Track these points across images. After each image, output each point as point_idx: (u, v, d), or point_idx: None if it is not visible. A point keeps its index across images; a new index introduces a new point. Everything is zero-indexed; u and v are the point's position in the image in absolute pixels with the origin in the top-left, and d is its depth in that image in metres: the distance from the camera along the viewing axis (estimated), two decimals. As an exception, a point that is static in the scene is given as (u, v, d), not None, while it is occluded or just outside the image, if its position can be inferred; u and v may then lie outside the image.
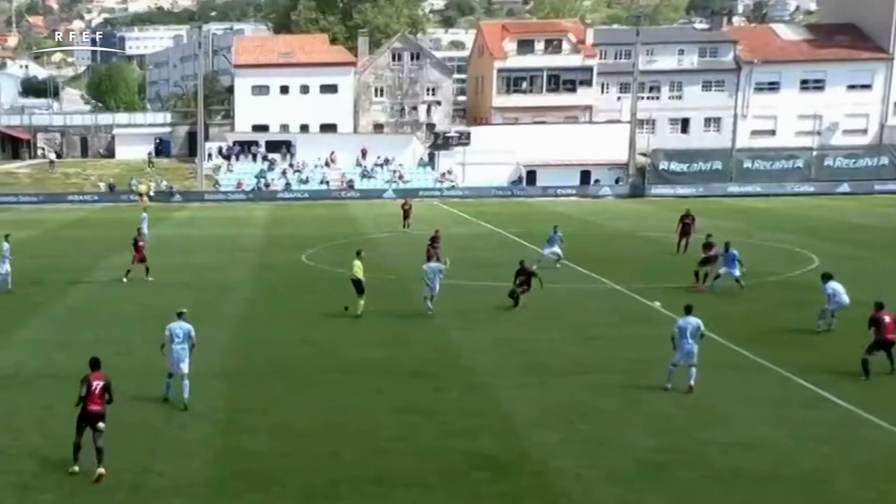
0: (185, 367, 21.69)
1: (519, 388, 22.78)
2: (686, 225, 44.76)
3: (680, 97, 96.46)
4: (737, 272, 34.57)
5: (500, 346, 27.09)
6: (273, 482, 17.14)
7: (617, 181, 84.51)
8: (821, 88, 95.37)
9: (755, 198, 76.31)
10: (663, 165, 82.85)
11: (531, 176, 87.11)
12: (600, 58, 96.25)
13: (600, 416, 20.60)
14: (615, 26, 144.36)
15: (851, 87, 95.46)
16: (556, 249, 40.97)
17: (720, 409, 21.01)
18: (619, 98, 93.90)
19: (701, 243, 37.53)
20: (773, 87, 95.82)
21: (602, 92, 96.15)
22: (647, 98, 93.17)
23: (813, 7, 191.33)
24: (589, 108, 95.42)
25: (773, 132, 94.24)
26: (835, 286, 27.87)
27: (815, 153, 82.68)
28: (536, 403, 21.49)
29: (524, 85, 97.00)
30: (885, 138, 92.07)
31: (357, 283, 32.09)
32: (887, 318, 23.62)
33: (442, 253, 38.44)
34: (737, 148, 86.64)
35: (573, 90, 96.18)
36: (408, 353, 26.54)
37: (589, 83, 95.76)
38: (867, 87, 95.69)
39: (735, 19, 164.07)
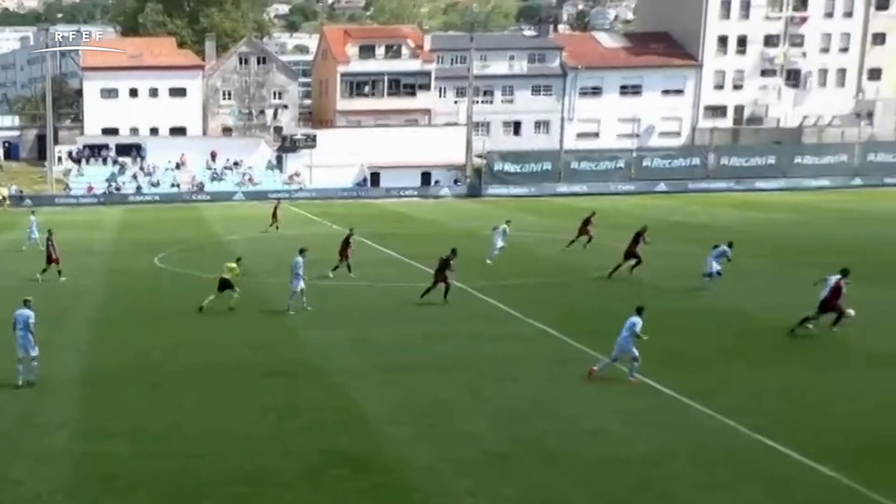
0: (32, 352, 21.65)
1: (373, 385, 22.78)
2: (586, 224, 45.15)
3: (512, 101, 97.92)
4: (717, 267, 34.55)
5: (356, 345, 27.03)
6: (135, 486, 16.76)
7: (456, 182, 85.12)
8: (638, 93, 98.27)
9: (582, 197, 77.72)
10: (498, 166, 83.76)
11: (375, 177, 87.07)
12: (438, 63, 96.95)
13: (450, 410, 20.75)
14: (451, 32, 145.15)
15: (666, 91, 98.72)
16: (501, 243, 41.70)
17: (559, 400, 21.35)
18: (455, 102, 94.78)
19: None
20: (595, 91, 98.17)
21: (440, 96, 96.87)
22: (482, 102, 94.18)
23: (630, 16, 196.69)
24: (428, 111, 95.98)
25: (596, 134, 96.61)
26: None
27: (634, 154, 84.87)
28: (390, 400, 21.55)
29: (367, 89, 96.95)
30: (696, 140, 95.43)
31: (224, 283, 31.89)
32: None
33: (352, 252, 38.42)
34: (564, 149, 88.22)
35: (413, 94, 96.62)
36: (266, 352, 26.24)
37: (427, 87, 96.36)
38: (680, 92, 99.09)
39: (560, 27, 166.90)
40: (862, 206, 65.05)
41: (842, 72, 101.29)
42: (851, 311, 26.91)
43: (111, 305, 34.10)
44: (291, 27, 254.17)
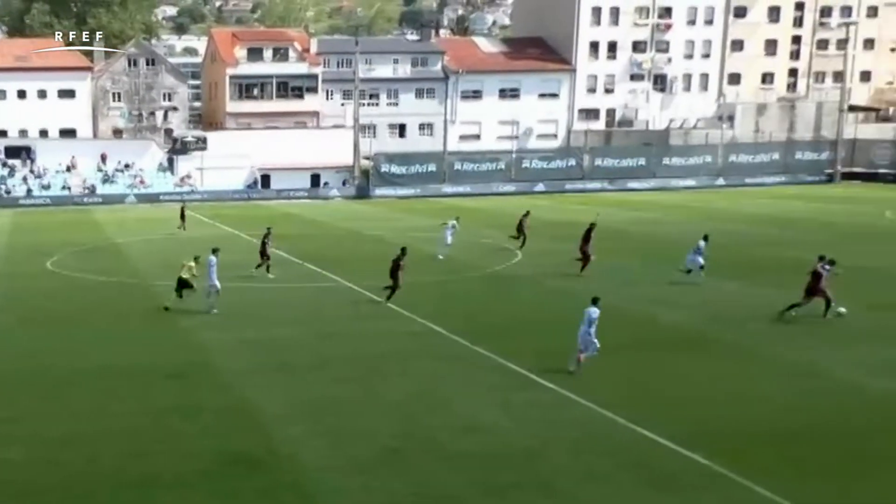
0: None
1: (268, 385, 22.69)
2: (522, 222, 45.83)
3: (397, 104, 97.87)
4: (700, 260, 35.47)
5: (250, 345, 26.86)
6: (30, 493, 16.44)
7: (344, 183, 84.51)
8: (517, 96, 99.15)
9: (466, 197, 78.18)
10: (385, 168, 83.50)
11: (266, 179, 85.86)
12: (324, 66, 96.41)
13: (342, 407, 20.79)
14: (336, 36, 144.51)
15: (542, 95, 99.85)
16: (450, 239, 43.28)
17: (447, 396, 21.58)
18: (342, 104, 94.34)
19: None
20: (476, 95, 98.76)
21: (327, 98, 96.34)
22: (368, 104, 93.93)
23: (507, 22, 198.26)
24: (316, 113, 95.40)
25: (478, 136, 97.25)
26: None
27: (514, 156, 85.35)
28: (285, 399, 21.49)
29: (255, 91, 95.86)
30: (572, 142, 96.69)
31: (182, 282, 31.49)
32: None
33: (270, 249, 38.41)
34: (448, 151, 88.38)
35: (301, 97, 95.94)
36: (162, 355, 25.86)
37: (315, 90, 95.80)
38: (555, 95, 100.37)
39: (442, 32, 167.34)
40: (725, 206, 66.71)
41: (705, 76, 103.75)
42: (843, 309, 28.20)
43: (4, 310, 33.05)
44: (180, 29, 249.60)
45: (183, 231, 54.81)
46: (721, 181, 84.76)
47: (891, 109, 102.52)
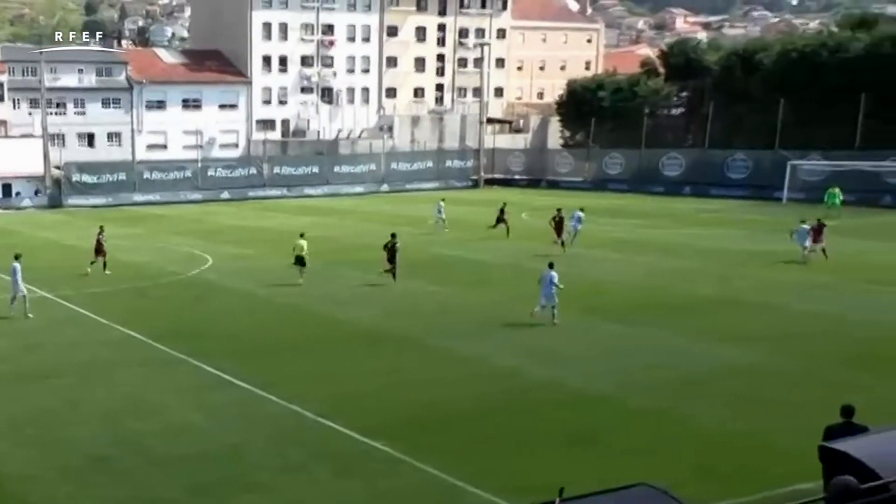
0: None
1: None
2: (502, 215, 48.60)
3: (84, 113, 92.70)
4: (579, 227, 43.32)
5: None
6: None
7: (37, 193, 78.69)
8: (199, 107, 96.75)
9: (156, 205, 75.17)
10: (76, 178, 78.25)
11: (-46, 189, 78.72)
12: (9, 74, 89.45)
13: (49, 419, 19.79)
14: (19, 44, 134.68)
15: (223, 106, 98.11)
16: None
17: (152, 401, 21.03)
18: (30, 113, 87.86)
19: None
20: (160, 105, 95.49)
21: (14, 107, 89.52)
22: (56, 114, 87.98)
23: (186, 34, 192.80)
24: (4, 122, 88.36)
25: (164, 146, 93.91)
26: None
27: (200, 164, 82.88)
28: (-12, 414, 20.08)
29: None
30: (252, 151, 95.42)
31: (300, 259, 35.01)
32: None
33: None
34: (137, 160, 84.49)
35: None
36: None
37: (1, 98, 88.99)
38: (234, 106, 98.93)
39: (124, 42, 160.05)
40: (390, 209, 68.29)
41: (366, 90, 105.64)
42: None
43: None
44: None
45: None
46: (385, 187, 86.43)
47: (521, 121, 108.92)
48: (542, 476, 15.10)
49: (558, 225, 43.31)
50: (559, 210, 43.94)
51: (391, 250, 35.23)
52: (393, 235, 35.92)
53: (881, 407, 13.92)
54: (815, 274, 35.49)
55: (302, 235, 36.54)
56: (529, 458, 16.83)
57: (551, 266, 27.68)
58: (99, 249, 37.98)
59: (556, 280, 26.98)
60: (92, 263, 37.42)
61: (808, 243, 37.95)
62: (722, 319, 28.20)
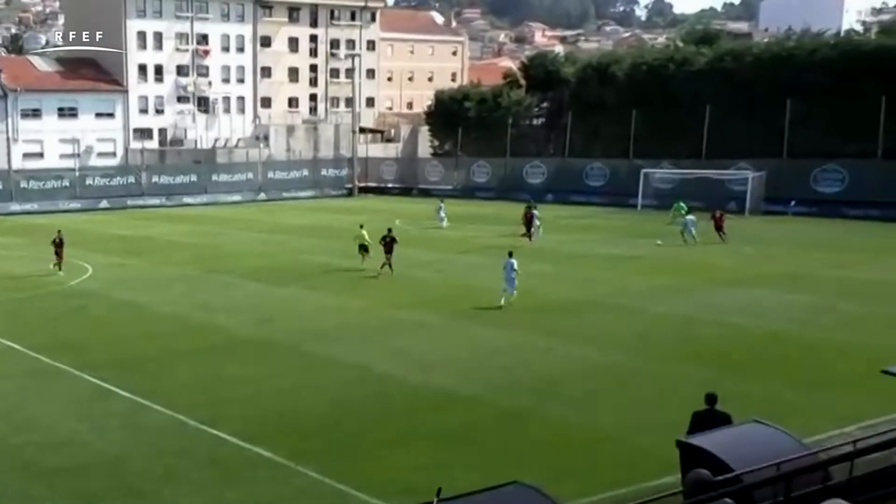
0: None
1: None
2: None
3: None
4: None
5: None
6: None
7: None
8: (75, 115, 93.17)
9: (35, 215, 71.45)
10: (-48, 189, 73.89)
11: None
12: None
13: None
14: None
15: (99, 115, 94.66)
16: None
17: (33, 413, 20.29)
18: None
19: None
20: (36, 113, 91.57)
21: None
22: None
23: (60, 42, 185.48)
24: None
25: (41, 155, 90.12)
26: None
27: (78, 173, 79.61)
28: None
29: None
30: (130, 160, 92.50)
31: (365, 247, 38.25)
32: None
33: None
34: (14, 169, 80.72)
35: None
36: None
37: None
38: (111, 115, 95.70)
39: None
40: (267, 218, 67.34)
41: (241, 99, 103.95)
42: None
43: None
44: None
45: None
46: (262, 196, 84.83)
47: (392, 131, 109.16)
48: (421, 478, 15.22)
49: (528, 220, 48.23)
50: (529, 206, 49.87)
51: (388, 244, 36.97)
52: (389, 230, 38.13)
53: (726, 400, 14.66)
54: (666, 277, 36.85)
55: (361, 226, 39.91)
56: (407, 461, 16.99)
57: (511, 255, 31.05)
58: None
59: (515, 266, 30.22)
60: None
61: (694, 231, 45.80)
62: (579, 321, 28.98)
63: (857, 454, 10.98)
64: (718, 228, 46.58)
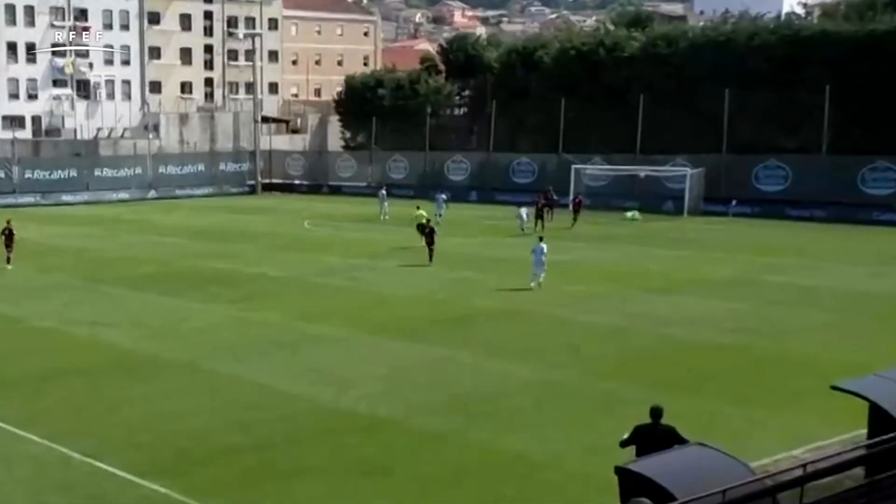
0: None
1: None
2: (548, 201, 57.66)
3: None
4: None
5: None
6: None
7: None
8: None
9: None
10: None
11: None
12: None
13: None
14: None
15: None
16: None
17: None
18: None
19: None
20: None
21: None
22: None
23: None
24: None
25: None
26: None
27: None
28: None
29: None
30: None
31: (422, 227, 42.67)
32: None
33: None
34: None
35: None
36: None
37: None
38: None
39: None
40: (159, 218, 66.23)
41: (127, 83, 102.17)
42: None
43: None
44: None
45: None
46: (153, 193, 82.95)
47: (298, 120, 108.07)
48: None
49: (541, 208, 54.94)
50: (547, 191, 58.95)
51: (429, 234, 41.24)
52: (428, 221, 43.31)
53: (666, 421, 14.90)
54: (597, 283, 37.40)
55: (418, 207, 47.34)
56: (321, 491, 16.88)
57: (541, 239, 35.76)
58: None
59: (545, 250, 34.44)
60: None
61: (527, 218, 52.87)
62: (505, 333, 29.18)
63: (808, 479, 11.29)
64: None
